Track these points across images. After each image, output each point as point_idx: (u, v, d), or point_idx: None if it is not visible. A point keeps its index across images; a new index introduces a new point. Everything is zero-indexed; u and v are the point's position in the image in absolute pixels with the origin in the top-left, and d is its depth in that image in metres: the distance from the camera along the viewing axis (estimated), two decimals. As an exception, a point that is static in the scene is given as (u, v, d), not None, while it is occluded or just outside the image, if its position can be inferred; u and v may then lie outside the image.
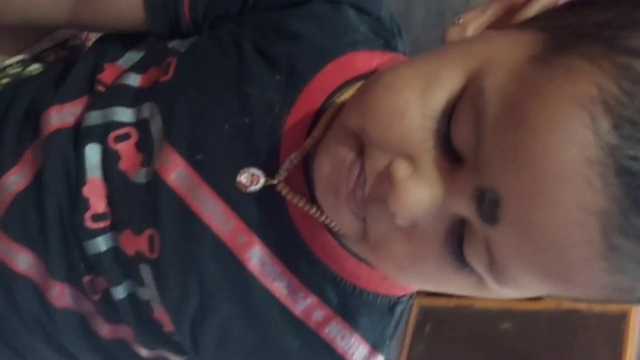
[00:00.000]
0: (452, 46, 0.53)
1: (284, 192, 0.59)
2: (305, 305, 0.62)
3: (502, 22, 0.55)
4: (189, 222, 0.61)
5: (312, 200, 0.60)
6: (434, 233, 0.49)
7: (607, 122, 0.41)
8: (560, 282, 0.45)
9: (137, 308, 0.66)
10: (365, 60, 0.63)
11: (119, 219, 0.64)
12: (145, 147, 0.63)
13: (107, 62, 0.68)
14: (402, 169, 0.48)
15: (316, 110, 0.61)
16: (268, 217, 0.61)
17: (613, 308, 1.84)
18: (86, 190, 0.63)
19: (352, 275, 0.62)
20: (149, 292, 0.64)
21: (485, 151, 0.45)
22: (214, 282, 0.62)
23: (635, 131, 0.41)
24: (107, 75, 0.67)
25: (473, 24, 0.55)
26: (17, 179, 0.66)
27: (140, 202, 0.63)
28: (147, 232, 0.62)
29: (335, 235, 0.61)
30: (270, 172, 0.60)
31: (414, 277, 0.53)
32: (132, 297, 0.65)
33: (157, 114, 0.63)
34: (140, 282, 0.64)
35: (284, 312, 0.62)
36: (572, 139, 0.41)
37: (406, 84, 0.49)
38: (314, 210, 0.59)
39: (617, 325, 1.76)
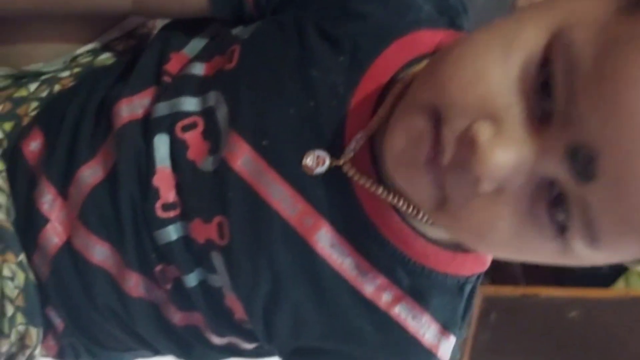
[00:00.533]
0: (527, 9, 0.51)
1: (350, 172, 0.59)
2: (374, 286, 0.62)
3: None
4: (257, 208, 0.62)
5: (379, 180, 0.60)
6: (520, 197, 0.48)
7: None
8: None
9: (208, 295, 0.67)
10: (429, 38, 0.63)
11: (188, 207, 0.65)
12: (212, 135, 0.64)
13: (173, 51, 0.69)
14: (485, 131, 0.46)
15: (381, 90, 0.61)
16: (335, 199, 0.61)
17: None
18: (156, 180, 0.65)
19: (421, 255, 0.62)
20: (220, 279, 0.65)
21: (579, 105, 0.44)
22: (284, 266, 0.62)
23: None
24: (173, 65, 0.69)
25: None
26: (92, 172, 0.67)
27: (209, 189, 0.63)
28: (217, 220, 0.63)
29: (402, 215, 0.61)
30: (335, 154, 0.60)
31: (495, 245, 0.52)
32: (203, 284, 0.66)
33: (223, 102, 0.64)
34: (212, 270, 0.65)
35: (354, 293, 0.62)
36: None
37: (484, 47, 0.48)
38: (380, 190, 0.59)
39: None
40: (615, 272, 2.03)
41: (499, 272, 2.12)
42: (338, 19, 0.63)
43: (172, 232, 0.65)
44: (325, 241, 0.61)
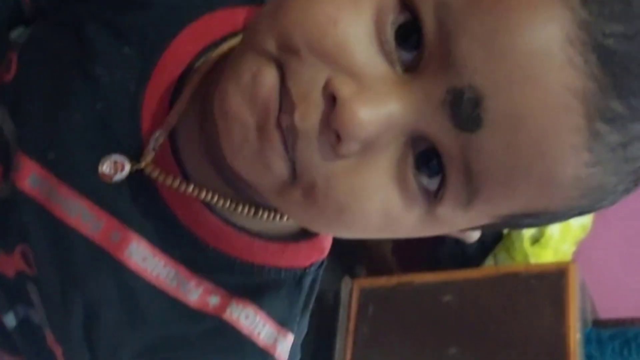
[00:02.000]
0: None
1: (154, 174, 0.53)
2: (198, 294, 0.57)
3: None
4: (55, 230, 0.55)
5: (186, 178, 0.54)
6: (388, 158, 0.43)
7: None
8: (543, 184, 0.42)
9: (30, 336, 0.60)
10: (226, 19, 0.57)
11: None
12: (2, 157, 0.57)
13: None
14: (345, 86, 0.41)
15: (176, 82, 0.55)
16: (141, 207, 0.55)
17: (551, 267, 1.85)
18: None
19: (246, 252, 0.56)
20: (38, 314, 0.58)
21: (458, 44, 0.39)
22: (95, 290, 0.56)
23: (603, 7, 0.39)
24: None
25: None
26: None
27: (4, 218, 0.56)
28: (19, 249, 0.56)
29: (219, 213, 0.55)
30: (135, 157, 0.54)
31: (358, 221, 0.45)
32: (24, 323, 0.60)
33: (8, 118, 0.57)
34: (30, 303, 0.58)
35: (177, 305, 0.56)
36: (551, 16, 0.38)
37: None
38: (191, 188, 0.53)
39: (556, 283, 1.75)
40: (483, 252, 2.06)
41: (373, 263, 2.13)
42: (120, 8, 0.57)
43: None
44: (137, 255, 0.55)
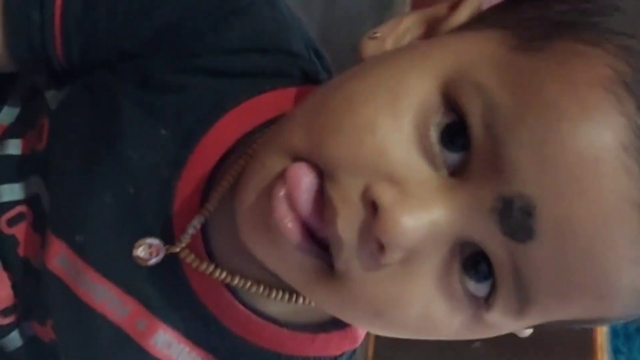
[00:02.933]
0: (397, 54, 0.46)
1: (188, 259, 0.52)
2: None
3: (426, 35, 0.49)
4: (81, 312, 0.54)
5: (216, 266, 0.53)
6: (432, 266, 0.41)
7: (632, 103, 0.37)
8: (599, 296, 0.39)
9: None
10: (274, 101, 0.55)
11: (25, 308, 0.57)
12: (42, 226, 0.56)
13: None
14: (386, 192, 0.39)
15: (212, 168, 0.53)
16: (168, 294, 0.54)
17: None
18: None
19: (274, 343, 0.55)
20: None
21: (507, 150, 0.38)
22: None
23: None
24: None
25: (391, 36, 0.49)
26: None
27: (38, 290, 0.56)
28: (49, 322, 0.56)
29: (246, 303, 0.54)
30: (167, 242, 0.53)
31: (395, 324, 0.44)
32: None
33: (44, 188, 0.56)
34: None
35: None
36: (605, 123, 0.37)
37: (370, 93, 0.41)
38: (224, 275, 0.52)
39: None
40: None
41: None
42: (158, 88, 0.55)
43: (16, 339, 0.58)
44: (163, 343, 0.54)
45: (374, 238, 0.39)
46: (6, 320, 0.58)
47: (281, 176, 0.41)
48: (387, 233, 0.38)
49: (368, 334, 1.88)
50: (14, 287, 0.57)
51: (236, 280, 0.52)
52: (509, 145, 0.38)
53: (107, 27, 0.55)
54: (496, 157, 0.38)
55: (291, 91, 0.56)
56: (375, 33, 0.49)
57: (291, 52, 0.57)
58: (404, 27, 0.49)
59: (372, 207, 0.39)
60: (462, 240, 0.40)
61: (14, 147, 0.58)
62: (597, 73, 0.37)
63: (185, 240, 0.52)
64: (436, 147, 0.40)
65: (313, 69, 0.57)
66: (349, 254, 0.41)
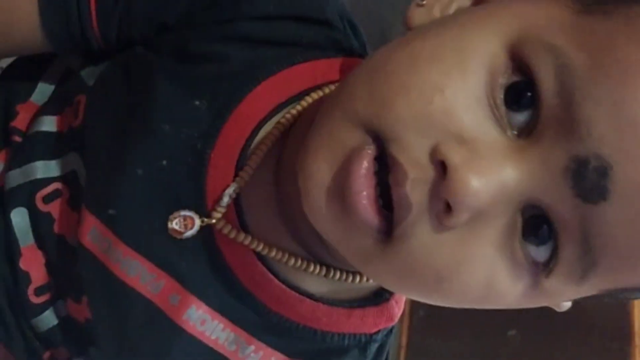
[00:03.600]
0: (456, 18, 0.44)
1: (225, 230, 0.51)
2: (258, 358, 0.55)
3: (475, 2, 0.47)
4: (113, 288, 0.54)
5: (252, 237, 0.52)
6: (495, 228, 0.40)
7: None
8: None
9: None
10: (305, 73, 0.54)
11: (60, 287, 0.57)
12: (79, 204, 0.55)
13: (19, 102, 0.60)
14: (455, 152, 0.38)
15: (246, 138, 0.53)
16: (202, 268, 0.53)
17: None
18: (23, 263, 0.56)
19: (310, 318, 0.54)
20: None
21: (582, 109, 0.37)
22: (150, 352, 0.55)
23: None
24: (22, 119, 0.59)
25: (439, 3, 0.47)
26: None
27: (74, 267, 0.56)
28: (84, 300, 0.56)
29: (281, 277, 0.53)
30: (200, 215, 0.52)
31: (453, 292, 0.42)
32: None
33: (82, 165, 0.55)
34: (100, 347, 0.58)
35: None
36: None
37: (434, 54, 0.40)
38: (261, 246, 0.51)
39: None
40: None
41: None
42: (192, 59, 0.54)
43: (50, 318, 0.58)
44: (196, 319, 0.54)
45: (442, 199, 0.38)
46: (40, 299, 0.57)
47: (354, 150, 0.40)
48: (456, 193, 0.37)
49: (402, 322, 1.88)
50: (47, 265, 0.57)
51: (273, 253, 0.51)
52: (584, 105, 0.37)
53: (144, 1, 0.55)
54: (570, 117, 0.37)
55: (325, 63, 0.55)
56: (422, 0, 0.47)
57: (326, 22, 0.56)
58: None
59: (441, 168, 0.38)
60: (530, 202, 0.39)
61: (49, 124, 0.58)
62: None
63: (221, 210, 0.51)
64: (502, 108, 0.39)
65: (347, 41, 0.57)
66: (416, 217, 0.40)
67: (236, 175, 0.52)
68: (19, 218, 0.56)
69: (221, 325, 0.54)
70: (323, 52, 0.56)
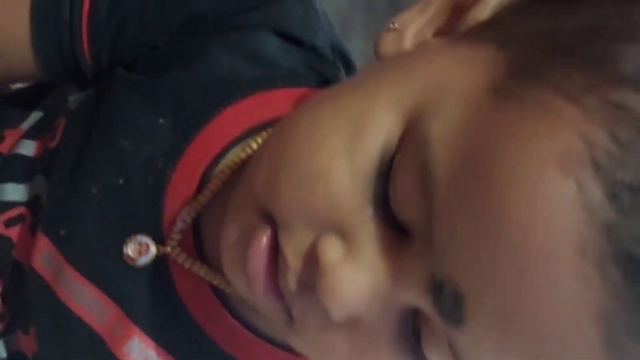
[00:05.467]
0: (384, 72, 0.39)
1: (180, 259, 0.48)
2: None
3: (449, 26, 0.41)
4: (59, 315, 0.51)
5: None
6: (382, 327, 0.38)
7: (599, 191, 0.29)
8: None
9: None
10: (284, 100, 0.50)
11: (13, 317, 0.55)
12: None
13: (9, 128, 0.59)
14: (332, 249, 0.36)
15: (210, 161, 0.49)
16: (151, 299, 0.50)
17: None
18: None
19: None
20: None
21: (437, 227, 0.33)
22: None
23: (638, 201, 0.29)
24: (7, 143, 0.58)
25: (411, 28, 0.42)
26: None
27: (25, 295, 0.53)
28: (32, 331, 0.53)
29: (237, 317, 0.50)
30: (156, 239, 0.49)
31: None
32: None
33: (46, 188, 0.54)
34: None
35: None
36: (555, 216, 0.29)
37: (327, 133, 0.37)
38: (218, 280, 0.48)
39: None
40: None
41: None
42: (159, 74, 0.52)
43: (1, 351, 0.55)
44: (138, 353, 0.50)
45: (318, 298, 0.36)
46: None
47: (253, 230, 0.39)
48: (326, 294, 0.36)
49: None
50: (3, 294, 0.55)
51: (230, 287, 0.48)
52: (439, 224, 0.32)
53: (137, 23, 0.53)
54: (430, 231, 0.33)
55: (303, 92, 0.51)
56: (393, 23, 0.42)
57: (314, 48, 0.52)
58: (428, 15, 0.42)
59: (318, 265, 0.36)
60: (413, 308, 0.36)
61: (27, 147, 0.57)
62: (560, 145, 0.29)
63: (176, 236, 0.48)
64: (387, 204, 0.36)
65: (333, 73, 0.53)
66: (302, 307, 0.39)
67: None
68: None
69: None
70: (305, 80, 0.51)
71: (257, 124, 0.50)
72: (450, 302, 0.33)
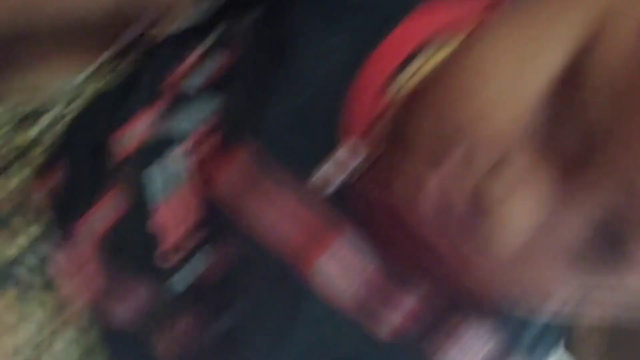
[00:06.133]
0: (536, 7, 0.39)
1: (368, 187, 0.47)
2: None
3: None
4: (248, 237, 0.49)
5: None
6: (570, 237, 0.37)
7: None
8: None
9: None
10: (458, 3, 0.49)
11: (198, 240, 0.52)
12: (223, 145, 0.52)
13: (186, 54, 0.57)
14: (495, 185, 0.37)
15: (389, 73, 0.48)
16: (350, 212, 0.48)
17: None
18: (159, 219, 0.52)
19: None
20: None
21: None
22: (262, 302, 0.49)
23: None
24: (178, 74, 0.57)
25: None
26: (100, 216, 0.55)
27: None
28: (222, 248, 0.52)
29: None
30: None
31: None
32: None
33: (223, 107, 0.53)
34: None
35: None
36: None
37: (498, 64, 0.37)
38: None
39: None
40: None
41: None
42: None
43: (183, 279, 0.52)
44: (332, 264, 0.48)
45: (482, 233, 0.37)
46: (175, 257, 0.52)
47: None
48: (491, 232, 0.37)
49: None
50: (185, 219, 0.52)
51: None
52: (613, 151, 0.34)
53: None
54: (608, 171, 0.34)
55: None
56: None
57: None
58: None
59: (483, 202, 0.37)
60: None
61: (201, 74, 0.55)
62: None
63: (374, 142, 0.47)
64: (554, 126, 0.37)
65: None
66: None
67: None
68: (157, 174, 0.53)
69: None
70: None
71: (434, 30, 0.49)
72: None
